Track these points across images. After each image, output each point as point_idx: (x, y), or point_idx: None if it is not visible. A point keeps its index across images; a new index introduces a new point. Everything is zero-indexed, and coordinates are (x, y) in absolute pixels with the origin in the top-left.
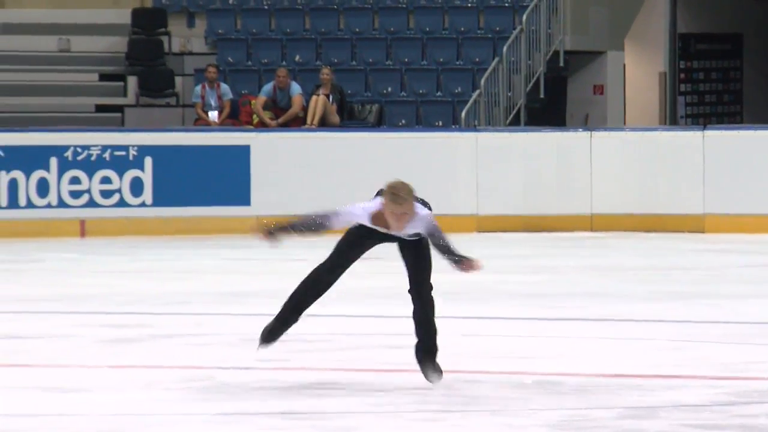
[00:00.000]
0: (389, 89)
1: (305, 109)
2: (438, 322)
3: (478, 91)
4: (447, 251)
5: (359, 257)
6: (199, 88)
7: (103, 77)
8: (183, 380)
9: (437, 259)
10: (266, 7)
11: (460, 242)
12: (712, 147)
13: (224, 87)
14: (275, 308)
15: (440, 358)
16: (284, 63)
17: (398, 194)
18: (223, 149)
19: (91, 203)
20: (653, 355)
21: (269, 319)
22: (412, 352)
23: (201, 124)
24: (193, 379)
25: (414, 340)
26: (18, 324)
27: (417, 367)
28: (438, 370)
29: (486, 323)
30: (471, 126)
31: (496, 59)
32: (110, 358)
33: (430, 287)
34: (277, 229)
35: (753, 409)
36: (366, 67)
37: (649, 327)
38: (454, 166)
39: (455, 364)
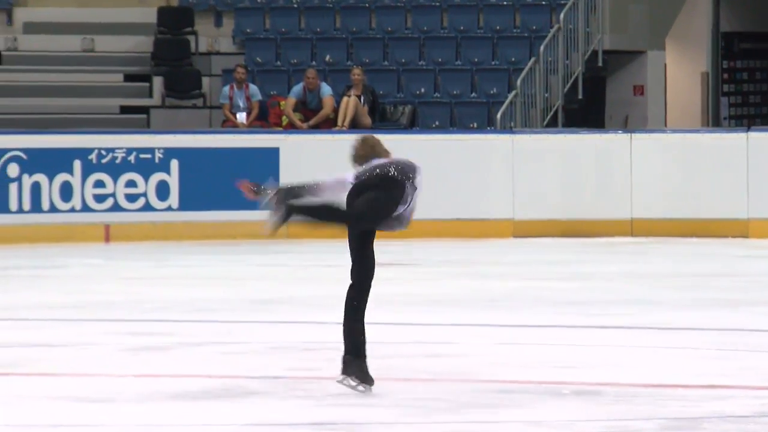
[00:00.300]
0: (422, 90)
1: (336, 110)
2: (458, 330)
3: (514, 92)
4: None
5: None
6: (227, 88)
7: (128, 78)
8: (211, 390)
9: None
10: (296, 5)
11: (495, 248)
12: (757, 149)
13: (253, 88)
14: (306, 316)
15: (476, 367)
16: (314, 63)
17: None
18: (251, 152)
19: (116, 207)
20: (696, 364)
21: (296, 328)
22: (446, 360)
23: (229, 126)
24: (221, 388)
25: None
26: (41, 332)
27: (450, 376)
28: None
29: (523, 331)
30: (507, 128)
31: (533, 59)
32: (136, 367)
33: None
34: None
35: None
36: (398, 67)
37: (691, 335)
38: (490, 170)
39: (492, 373)
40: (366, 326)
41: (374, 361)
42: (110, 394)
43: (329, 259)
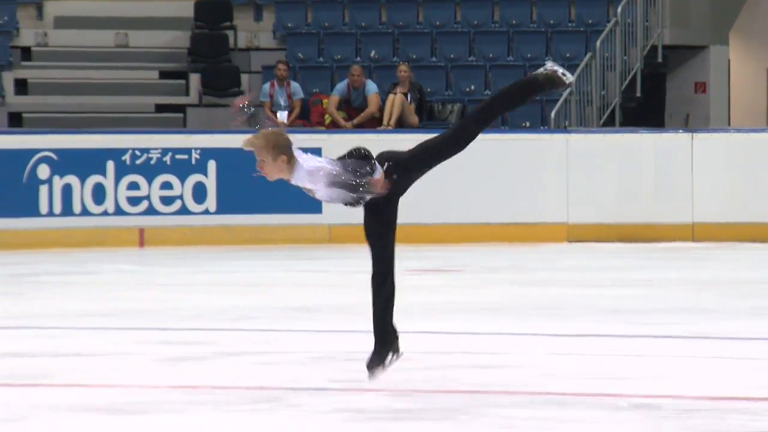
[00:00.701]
0: (472, 87)
1: (381, 109)
2: (507, 340)
3: (568, 90)
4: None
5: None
6: (267, 86)
7: (164, 75)
8: (249, 402)
9: None
10: None
11: (548, 253)
12: None
13: (294, 86)
14: (349, 324)
15: (527, 378)
16: (359, 59)
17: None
18: None
19: (151, 210)
20: (760, 375)
21: (339, 338)
22: (494, 371)
23: (269, 125)
24: (260, 400)
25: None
26: (72, 341)
27: (499, 388)
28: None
29: (577, 341)
30: (561, 127)
31: (589, 54)
32: (171, 378)
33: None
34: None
35: None
36: (447, 63)
37: (755, 345)
38: (543, 171)
39: (544, 385)
40: (409, 335)
41: (419, 372)
42: (144, 406)
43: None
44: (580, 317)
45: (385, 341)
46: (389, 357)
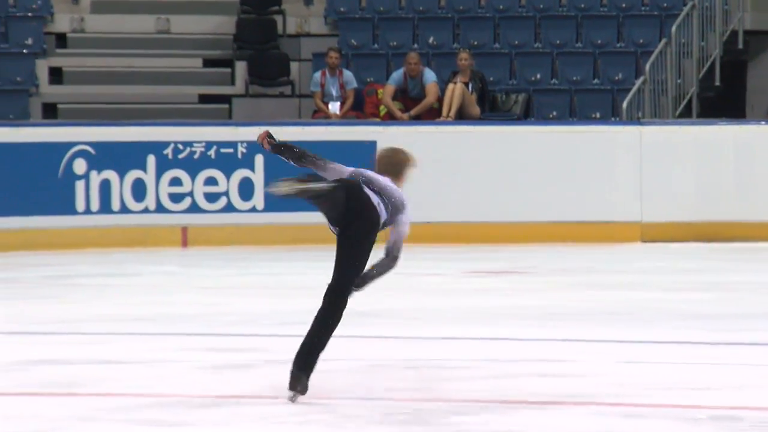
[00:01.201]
0: (538, 76)
1: (440, 99)
2: (576, 347)
3: (642, 78)
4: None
5: None
6: (318, 75)
7: (208, 63)
8: (300, 413)
9: None
10: None
11: (620, 253)
12: None
13: (347, 74)
14: (407, 330)
15: (597, 389)
16: (416, 46)
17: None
18: (346, 145)
19: (194, 208)
20: None
21: (397, 344)
22: (562, 381)
23: (320, 117)
24: (311, 411)
25: None
26: (109, 348)
27: (567, 398)
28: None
29: (651, 348)
30: (634, 118)
31: (664, 41)
32: (216, 388)
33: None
34: (280, 145)
35: None
36: (511, 50)
37: None
38: (614, 166)
39: (616, 395)
40: (471, 342)
41: (481, 381)
42: (187, 417)
43: (433, 267)
44: (655, 323)
45: (306, 368)
46: (298, 389)
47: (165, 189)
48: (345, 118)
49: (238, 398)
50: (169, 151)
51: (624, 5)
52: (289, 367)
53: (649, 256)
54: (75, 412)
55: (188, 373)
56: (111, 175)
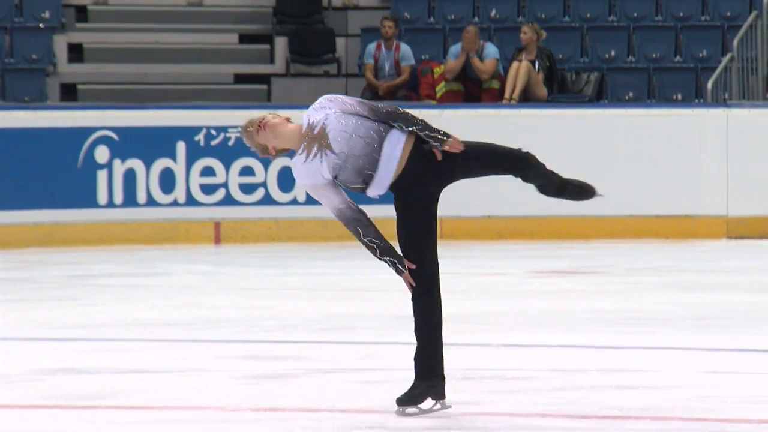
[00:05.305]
0: (612, 53)
1: (503, 78)
2: (657, 355)
3: (729, 55)
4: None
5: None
6: (373, 46)
7: (245, 39)
8: (346, 428)
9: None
10: None
11: (705, 251)
12: None
13: (405, 49)
14: (464, 336)
15: (680, 402)
16: (476, 20)
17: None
18: None
19: (228, 200)
20: None
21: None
22: (642, 393)
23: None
24: (359, 426)
25: None
26: (138, 355)
27: (648, 412)
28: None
29: (741, 357)
30: (720, 100)
31: (754, 13)
32: (254, 399)
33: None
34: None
35: None
36: (582, 24)
37: None
38: (698, 153)
39: (701, 410)
40: (538, 349)
41: (550, 393)
42: (224, 430)
43: (495, 266)
44: (744, 328)
45: (426, 378)
46: (429, 400)
47: (196, 179)
48: (394, 99)
49: (278, 411)
50: (200, 137)
51: None
52: (334, 377)
53: (736, 255)
54: (98, 427)
55: (224, 383)
56: (136, 164)
